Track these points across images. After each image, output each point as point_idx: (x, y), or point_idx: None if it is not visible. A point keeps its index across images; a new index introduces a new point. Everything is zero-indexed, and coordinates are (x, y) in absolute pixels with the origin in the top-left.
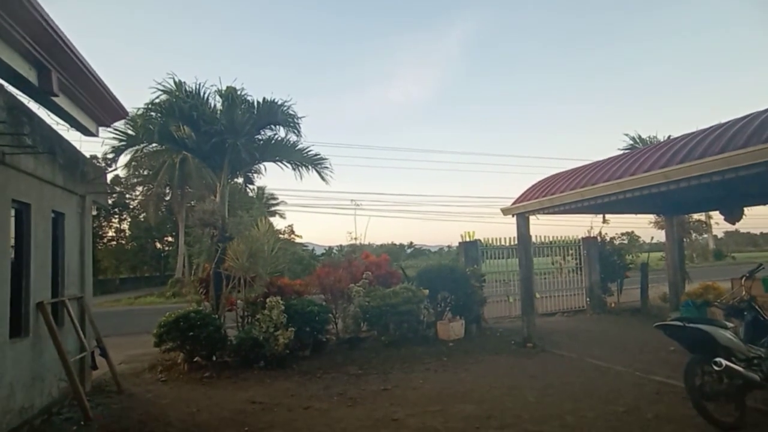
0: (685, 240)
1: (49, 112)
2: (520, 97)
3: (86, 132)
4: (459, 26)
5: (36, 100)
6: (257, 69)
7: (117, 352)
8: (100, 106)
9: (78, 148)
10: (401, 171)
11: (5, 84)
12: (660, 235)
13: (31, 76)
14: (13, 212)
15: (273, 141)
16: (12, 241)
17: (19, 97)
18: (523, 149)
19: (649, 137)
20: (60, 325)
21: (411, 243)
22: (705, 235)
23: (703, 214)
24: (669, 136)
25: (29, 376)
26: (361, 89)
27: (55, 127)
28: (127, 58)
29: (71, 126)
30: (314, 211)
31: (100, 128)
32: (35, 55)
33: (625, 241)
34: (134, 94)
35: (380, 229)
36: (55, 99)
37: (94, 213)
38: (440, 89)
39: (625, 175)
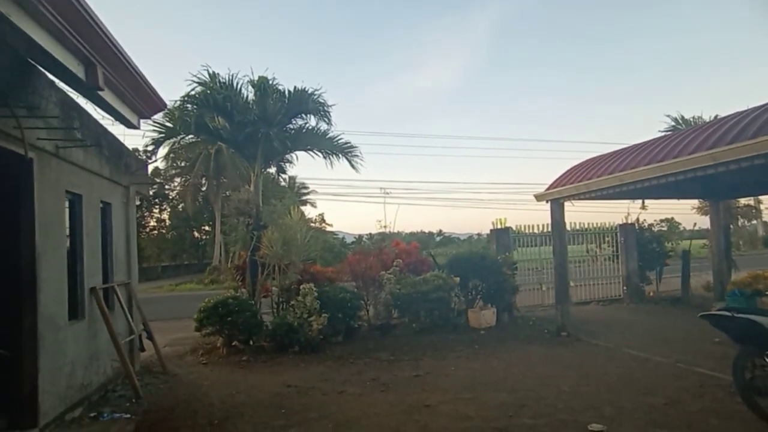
0: (731, 226)
1: (96, 107)
2: (550, 81)
3: (129, 125)
4: (487, 11)
5: (83, 95)
6: (284, 58)
7: (161, 336)
8: (141, 98)
9: (121, 141)
10: (431, 158)
11: (57, 81)
12: (703, 222)
13: (79, 72)
14: (66, 203)
15: (304, 130)
16: (66, 230)
17: (69, 93)
18: (554, 134)
19: (693, 118)
20: (110, 309)
21: (440, 231)
22: (754, 221)
23: (752, 198)
24: (716, 116)
25: (87, 356)
26: (388, 77)
27: (101, 121)
28: (156, 48)
29: (115, 119)
30: (344, 200)
31: (141, 121)
32: (83, 52)
33: (664, 228)
34: (163, 85)
35: (409, 217)
36: (100, 93)
37: (137, 203)
38: (469, 75)
39: (668, 158)
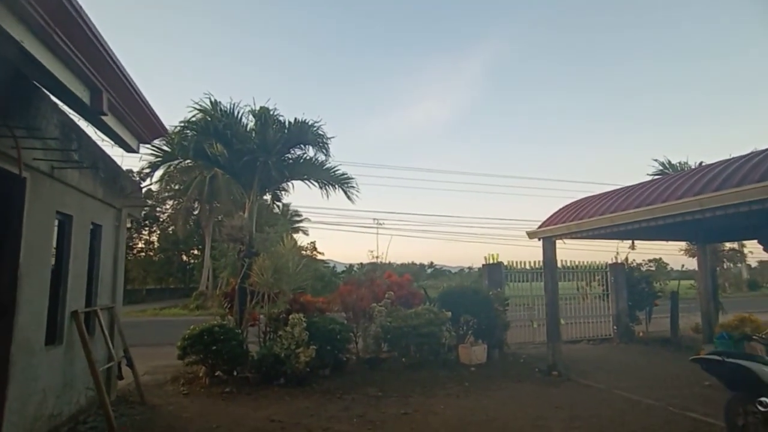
0: (717, 269)
1: (96, 130)
2: (544, 120)
3: (128, 149)
4: (483, 47)
5: (85, 118)
6: (283, 88)
7: (141, 363)
8: (143, 124)
9: (118, 163)
10: (424, 191)
11: (59, 103)
12: (690, 263)
13: (85, 97)
14: (56, 223)
15: (302, 160)
16: (53, 251)
17: (70, 115)
18: (544, 173)
19: (679, 163)
20: (91, 334)
21: (431, 263)
22: (738, 264)
23: (737, 242)
24: (701, 163)
25: (61, 384)
26: (384, 109)
27: (99, 143)
28: (152, 65)
29: (115, 143)
30: (336, 229)
31: (141, 145)
32: (91, 78)
33: (653, 268)
34: (156, 104)
35: (401, 249)
36: (103, 118)
37: (128, 225)
38: (464, 110)
39: (657, 202)
